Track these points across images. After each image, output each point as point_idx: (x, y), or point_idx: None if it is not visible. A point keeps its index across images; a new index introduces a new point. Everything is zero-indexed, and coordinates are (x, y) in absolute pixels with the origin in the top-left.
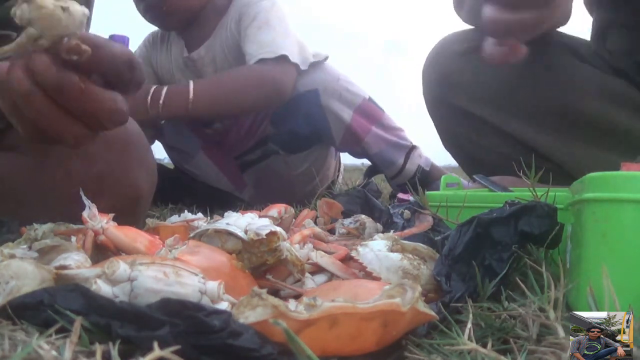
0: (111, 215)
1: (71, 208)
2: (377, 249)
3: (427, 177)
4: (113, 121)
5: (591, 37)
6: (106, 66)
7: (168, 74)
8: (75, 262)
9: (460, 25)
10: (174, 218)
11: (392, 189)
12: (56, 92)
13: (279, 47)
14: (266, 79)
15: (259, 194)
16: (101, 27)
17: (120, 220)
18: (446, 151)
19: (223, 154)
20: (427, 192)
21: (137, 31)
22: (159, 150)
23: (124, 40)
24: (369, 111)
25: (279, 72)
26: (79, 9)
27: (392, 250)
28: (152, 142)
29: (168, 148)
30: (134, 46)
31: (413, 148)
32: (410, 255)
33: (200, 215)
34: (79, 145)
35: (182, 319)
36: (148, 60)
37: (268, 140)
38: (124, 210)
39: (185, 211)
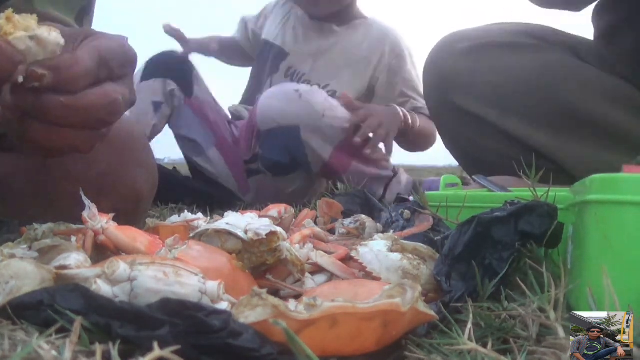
0: (111, 215)
1: (72, 209)
2: (377, 249)
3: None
4: (111, 113)
5: (595, 38)
6: (78, 73)
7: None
8: (76, 261)
9: (460, 26)
10: (174, 218)
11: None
12: (42, 115)
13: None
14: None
15: (259, 201)
16: (101, 27)
17: (121, 220)
18: (446, 151)
19: (234, 155)
20: (427, 192)
21: (137, 31)
22: (158, 151)
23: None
24: (350, 146)
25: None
26: (52, 37)
27: (392, 251)
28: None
29: (179, 137)
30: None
31: (393, 177)
32: (410, 255)
33: (200, 215)
34: (92, 149)
35: (182, 319)
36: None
37: (257, 159)
38: (124, 210)
39: (185, 211)
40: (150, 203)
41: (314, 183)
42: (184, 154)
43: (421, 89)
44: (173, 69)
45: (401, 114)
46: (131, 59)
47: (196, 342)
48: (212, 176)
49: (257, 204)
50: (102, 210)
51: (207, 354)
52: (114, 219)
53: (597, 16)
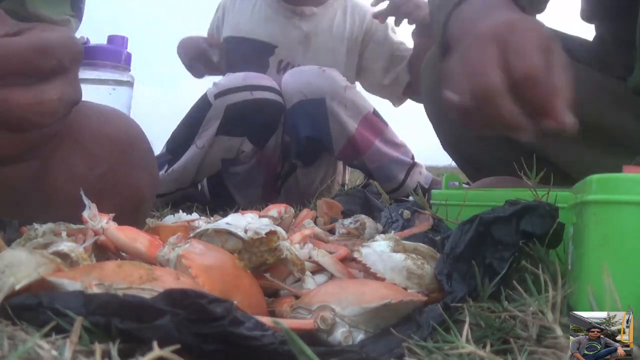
0: (111, 215)
1: (73, 210)
2: (379, 250)
3: (425, 194)
4: (41, 114)
5: (595, 37)
6: (6, 65)
7: (249, 22)
8: (69, 247)
9: None
10: (169, 219)
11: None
12: None
13: None
14: None
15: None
16: (101, 27)
17: (122, 221)
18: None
19: (270, 189)
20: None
21: (137, 31)
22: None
23: (122, 41)
24: (374, 124)
25: None
26: None
27: (394, 251)
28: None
29: (228, 173)
30: (132, 47)
31: (414, 165)
32: (414, 255)
33: (195, 215)
34: (20, 154)
35: (183, 308)
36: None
37: (288, 151)
38: (126, 212)
39: (180, 211)
40: (151, 204)
41: (334, 173)
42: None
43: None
44: (253, 129)
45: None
46: (79, 53)
47: (197, 330)
48: (238, 185)
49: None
50: (104, 211)
51: (208, 342)
52: (115, 220)
53: (597, 15)
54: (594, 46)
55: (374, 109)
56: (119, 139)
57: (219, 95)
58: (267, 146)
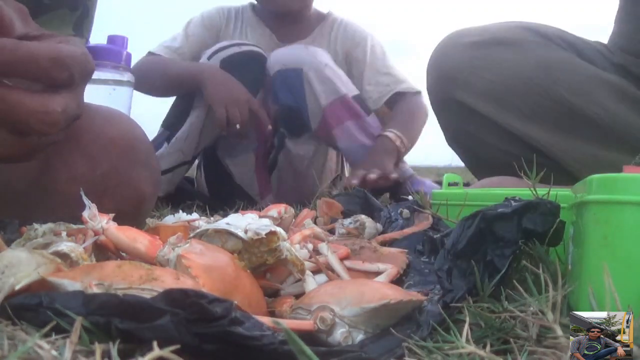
0: (111, 215)
1: (76, 210)
2: None
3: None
4: (45, 123)
5: (613, 37)
6: (21, 68)
7: None
8: (69, 247)
9: (466, 24)
10: (169, 218)
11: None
12: None
13: (411, 82)
14: (426, 111)
15: (278, 200)
16: (100, 27)
17: (123, 222)
18: (446, 152)
19: (263, 158)
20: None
21: (136, 31)
22: None
23: (122, 41)
24: (350, 106)
25: (422, 101)
26: None
27: None
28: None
29: (221, 138)
30: (132, 47)
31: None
32: None
33: (195, 215)
34: (17, 158)
35: (183, 308)
36: (216, 29)
37: (277, 122)
38: (127, 211)
39: (180, 211)
40: (152, 204)
41: (324, 155)
42: (210, 150)
43: (391, 66)
44: (244, 79)
45: (394, 147)
46: (90, 70)
47: (197, 330)
48: (235, 179)
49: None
50: (105, 211)
51: (208, 342)
52: (117, 220)
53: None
54: (602, 47)
55: (357, 96)
56: (120, 139)
57: (212, 55)
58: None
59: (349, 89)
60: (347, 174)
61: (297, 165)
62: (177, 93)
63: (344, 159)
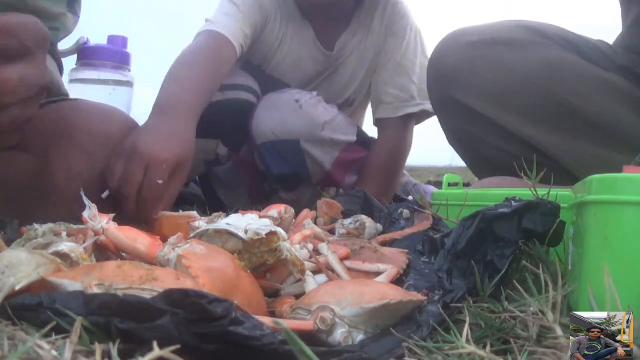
0: (111, 215)
1: (74, 208)
2: None
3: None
4: (0, 93)
5: (624, 33)
6: None
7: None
8: (69, 247)
9: (466, 24)
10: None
11: None
12: None
13: (419, 96)
14: (406, 152)
15: None
16: (100, 27)
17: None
18: (447, 152)
19: (251, 174)
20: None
21: (136, 31)
22: None
23: (122, 41)
24: (351, 157)
25: (410, 136)
26: None
27: None
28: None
29: (211, 172)
30: (132, 47)
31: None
32: None
33: (194, 213)
34: None
35: (183, 308)
36: (263, 20)
37: (267, 178)
38: (123, 210)
39: (180, 211)
40: None
41: (320, 193)
42: (204, 178)
43: (418, 76)
44: (226, 130)
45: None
46: (44, 37)
47: (197, 330)
48: (227, 186)
49: None
50: (103, 209)
51: (208, 342)
52: (115, 218)
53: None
54: (605, 45)
55: (357, 135)
56: (117, 136)
57: None
58: (244, 151)
59: (349, 134)
60: None
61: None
62: None
63: None
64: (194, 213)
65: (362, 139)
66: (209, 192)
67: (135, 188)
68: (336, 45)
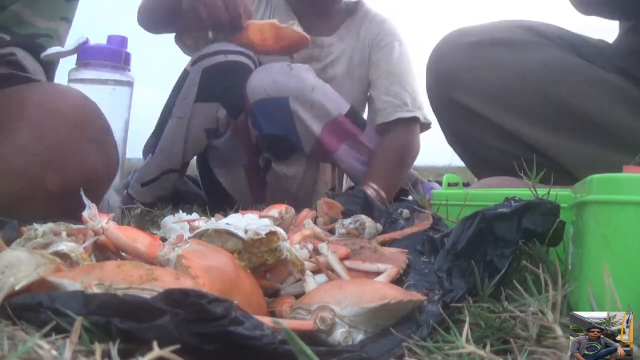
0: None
1: (22, 183)
2: None
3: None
4: None
5: (622, 34)
6: None
7: None
8: (69, 247)
9: (465, 23)
10: (169, 219)
11: None
12: None
13: (412, 104)
14: (413, 153)
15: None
16: (100, 27)
17: (71, 200)
18: (447, 152)
19: (254, 173)
20: (432, 191)
21: (136, 31)
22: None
23: (122, 41)
24: (342, 127)
25: (416, 139)
26: None
27: None
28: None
29: (209, 146)
30: (132, 47)
31: None
32: None
33: (195, 215)
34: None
35: (183, 308)
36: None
37: (261, 147)
38: (74, 188)
39: (180, 211)
40: (107, 184)
41: (316, 172)
42: (202, 159)
43: (411, 86)
44: (227, 93)
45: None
46: None
47: (197, 330)
48: (228, 191)
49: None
50: (50, 185)
51: (208, 342)
52: (64, 197)
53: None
54: (604, 45)
55: (350, 110)
56: (70, 113)
57: (196, 61)
58: (241, 119)
59: (340, 105)
60: (344, 183)
61: (286, 185)
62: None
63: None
64: (194, 216)
65: (356, 118)
66: (208, 176)
67: (223, 8)
68: (325, 41)
